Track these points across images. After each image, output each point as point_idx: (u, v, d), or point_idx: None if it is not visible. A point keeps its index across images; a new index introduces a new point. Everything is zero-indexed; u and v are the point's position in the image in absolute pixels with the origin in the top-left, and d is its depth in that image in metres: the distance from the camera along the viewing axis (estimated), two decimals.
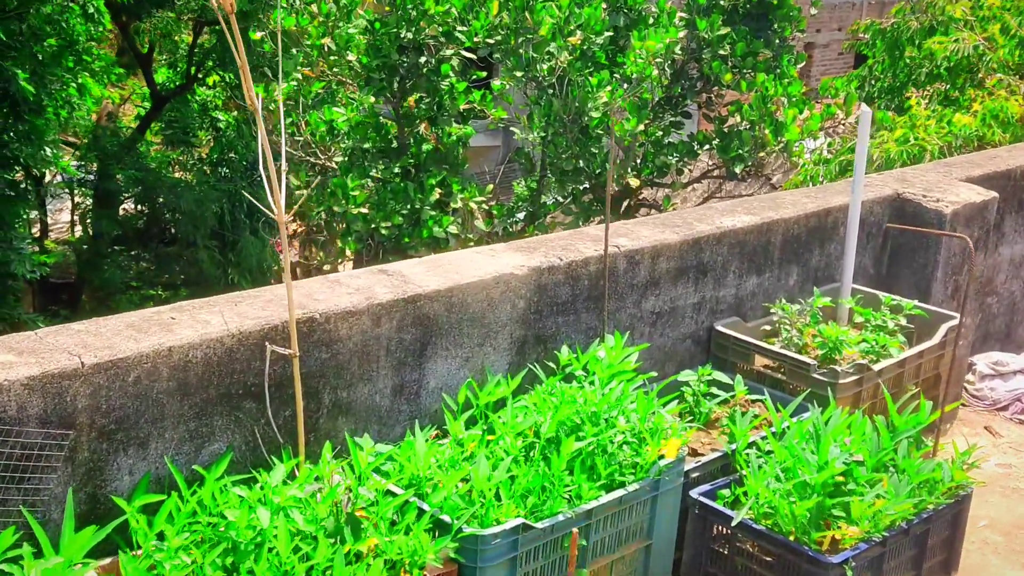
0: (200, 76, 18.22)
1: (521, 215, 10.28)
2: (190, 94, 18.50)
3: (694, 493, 4.14)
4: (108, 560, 3.20)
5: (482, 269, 4.16)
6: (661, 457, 3.94)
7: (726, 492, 4.15)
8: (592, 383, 4.24)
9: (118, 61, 20.36)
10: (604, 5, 9.13)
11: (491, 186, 9.73)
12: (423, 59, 9.03)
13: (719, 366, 5.12)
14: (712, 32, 9.11)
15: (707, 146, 9.66)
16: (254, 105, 3.09)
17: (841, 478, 4.06)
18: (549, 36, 8.74)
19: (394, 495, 3.56)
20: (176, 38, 18.75)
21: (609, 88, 8.92)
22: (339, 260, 15.01)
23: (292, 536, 3.31)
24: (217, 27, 17.21)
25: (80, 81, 14.46)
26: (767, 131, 9.11)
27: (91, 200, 18.17)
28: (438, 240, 9.25)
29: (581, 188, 9.73)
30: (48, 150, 12.51)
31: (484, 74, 10.02)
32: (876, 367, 4.85)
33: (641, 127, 9.15)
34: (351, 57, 9.36)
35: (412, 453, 3.73)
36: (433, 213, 8.98)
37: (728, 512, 4.01)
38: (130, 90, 21.14)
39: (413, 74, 9.16)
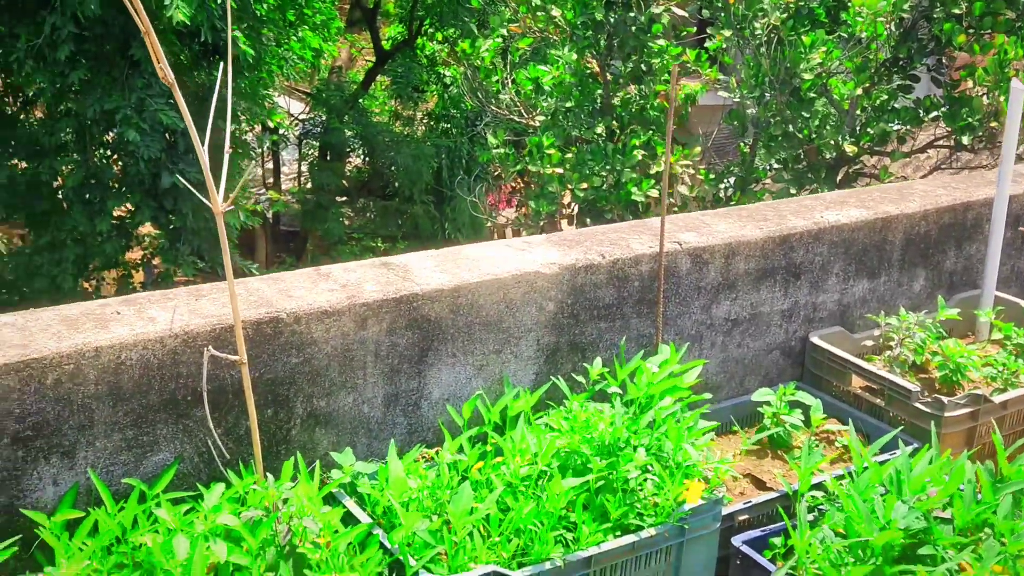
0: (426, 31, 18.23)
1: (731, 180, 9.41)
2: (418, 49, 18.56)
3: (737, 540, 3.39)
4: None
5: (501, 266, 3.53)
6: (683, 501, 3.21)
7: (779, 541, 3.38)
8: (630, 402, 3.55)
9: (349, 17, 20.67)
10: None
11: (698, 148, 8.90)
12: (632, 15, 8.36)
13: (815, 384, 4.29)
14: None
15: (934, 113, 8.46)
16: (168, 78, 2.59)
17: (922, 538, 3.22)
18: None
19: (356, 525, 3.02)
20: None
21: (824, 49, 7.95)
22: (539, 221, 14.42)
23: (227, 568, 2.84)
24: None
25: (300, 35, 14.64)
26: (1002, 99, 7.87)
27: (316, 153, 18.58)
28: (637, 204, 8.59)
29: (794, 154, 8.79)
30: (266, 104, 12.69)
31: (694, 30, 9.28)
32: (998, 398, 3.90)
33: (860, 91, 8.13)
34: (555, 12, 8.79)
35: (387, 476, 3.18)
36: (634, 176, 8.34)
37: (770, 567, 3.24)
38: (359, 45, 21.46)
39: (620, 31, 8.53)
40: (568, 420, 3.35)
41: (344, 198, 19.09)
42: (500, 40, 9.73)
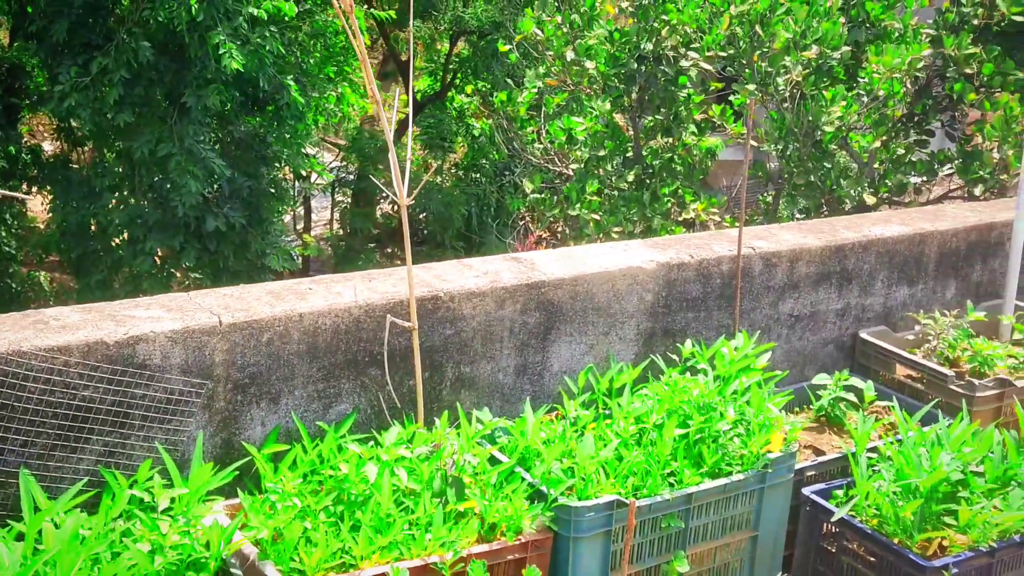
0: (457, 84, 18.91)
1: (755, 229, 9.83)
2: (448, 102, 19.26)
3: (806, 491, 3.94)
4: (236, 500, 3.39)
5: (610, 261, 4.13)
6: (767, 452, 3.78)
7: (839, 493, 3.93)
8: (716, 378, 4.12)
9: (381, 69, 21.43)
10: (844, 20, 8.54)
11: (724, 198, 9.37)
12: (662, 67, 8.80)
13: (863, 374, 4.84)
14: (960, 51, 8.43)
15: (948, 166, 8.92)
16: (376, 99, 3.21)
17: (959, 488, 3.77)
18: (783, 50, 8.40)
19: (498, 464, 3.59)
20: (439, 47, 19.49)
21: (844, 103, 8.40)
22: None
23: (399, 492, 3.41)
24: (472, 37, 17.81)
25: (340, 91, 15.19)
26: (1010, 153, 8.36)
27: (349, 199, 19.16)
28: None
29: (816, 203, 9.20)
30: (306, 152, 13.19)
31: (721, 85, 9.66)
32: (1021, 383, 4.45)
33: (878, 143, 8.58)
34: (590, 65, 9.20)
35: (523, 427, 3.75)
36: (665, 222, 8.74)
37: (834, 509, 3.79)
38: (392, 96, 22.24)
39: (651, 84, 8.98)
40: (669, 386, 3.92)
41: (373, 244, 19.64)
42: (535, 92, 10.10)
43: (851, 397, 4.54)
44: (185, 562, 3.01)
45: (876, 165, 8.86)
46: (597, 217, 8.86)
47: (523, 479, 3.54)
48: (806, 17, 8.33)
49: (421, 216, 18.79)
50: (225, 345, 3.36)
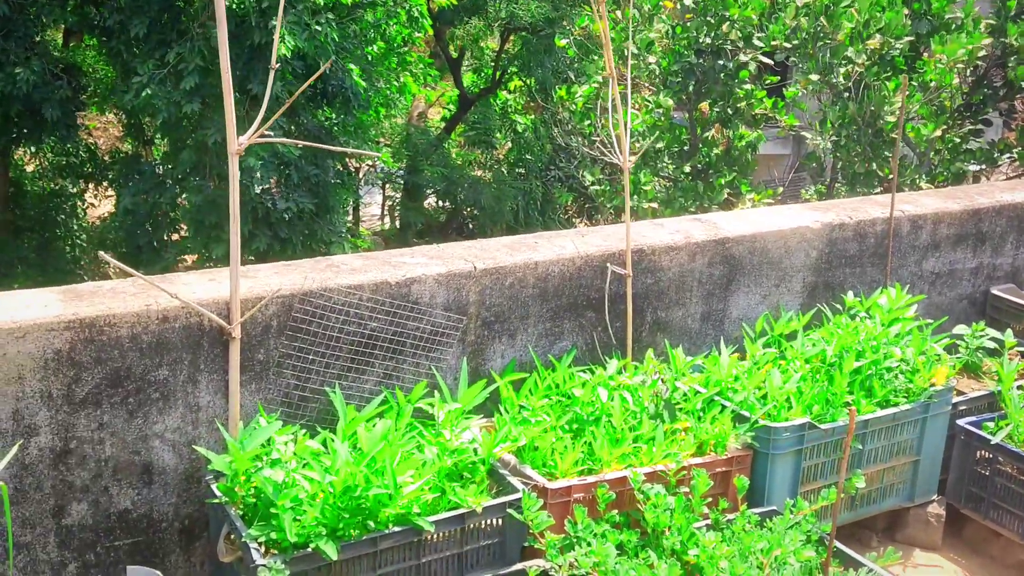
0: (503, 81, 19.46)
1: None
2: (492, 98, 19.81)
3: (961, 422, 4.55)
4: (485, 420, 4.05)
5: (782, 221, 4.75)
6: (932, 385, 4.38)
7: (990, 425, 4.52)
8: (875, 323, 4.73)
9: (431, 64, 22.06)
10: (906, 11, 8.83)
11: (781, 188, 9.83)
12: (720, 62, 9.12)
13: (993, 326, 5.42)
14: (1021, 39, 8.82)
15: (1008, 154, 9.35)
16: (612, 72, 3.84)
17: None
18: (847, 41, 8.72)
19: (700, 393, 4.23)
20: (482, 44, 20.11)
21: (907, 93, 8.74)
22: None
23: (624, 413, 4.06)
24: (523, 34, 18.37)
25: (402, 80, 15.77)
26: None
27: (400, 193, 19.83)
28: None
29: (874, 192, 9.60)
30: (369, 144, 13.80)
31: (777, 79, 10.01)
32: None
33: (938, 132, 9.01)
34: (650, 60, 9.59)
35: (717, 364, 4.39)
36: (720, 212, 9.11)
37: (989, 437, 4.39)
38: (439, 92, 22.85)
39: (709, 77, 9.39)
40: (842, 328, 4.54)
41: (424, 237, 20.23)
42: (595, 86, 10.51)
43: (988, 345, 5.14)
44: (464, 464, 3.68)
45: (933, 154, 9.21)
46: (655, 206, 9.33)
47: (723, 406, 4.18)
48: (869, 7, 8.58)
49: (470, 209, 19.42)
50: (477, 287, 4.02)
